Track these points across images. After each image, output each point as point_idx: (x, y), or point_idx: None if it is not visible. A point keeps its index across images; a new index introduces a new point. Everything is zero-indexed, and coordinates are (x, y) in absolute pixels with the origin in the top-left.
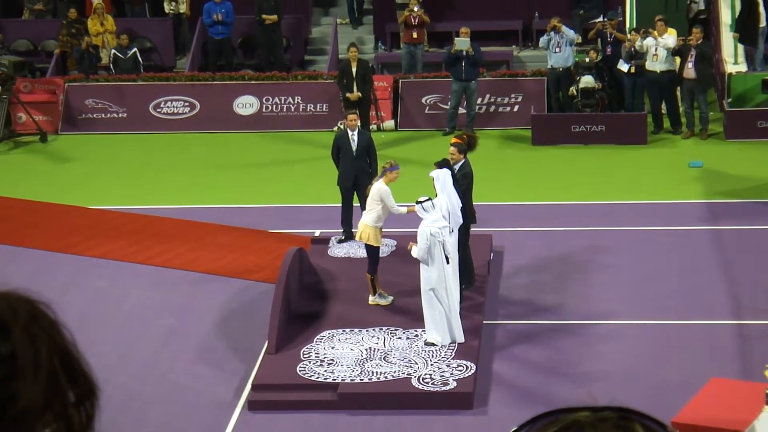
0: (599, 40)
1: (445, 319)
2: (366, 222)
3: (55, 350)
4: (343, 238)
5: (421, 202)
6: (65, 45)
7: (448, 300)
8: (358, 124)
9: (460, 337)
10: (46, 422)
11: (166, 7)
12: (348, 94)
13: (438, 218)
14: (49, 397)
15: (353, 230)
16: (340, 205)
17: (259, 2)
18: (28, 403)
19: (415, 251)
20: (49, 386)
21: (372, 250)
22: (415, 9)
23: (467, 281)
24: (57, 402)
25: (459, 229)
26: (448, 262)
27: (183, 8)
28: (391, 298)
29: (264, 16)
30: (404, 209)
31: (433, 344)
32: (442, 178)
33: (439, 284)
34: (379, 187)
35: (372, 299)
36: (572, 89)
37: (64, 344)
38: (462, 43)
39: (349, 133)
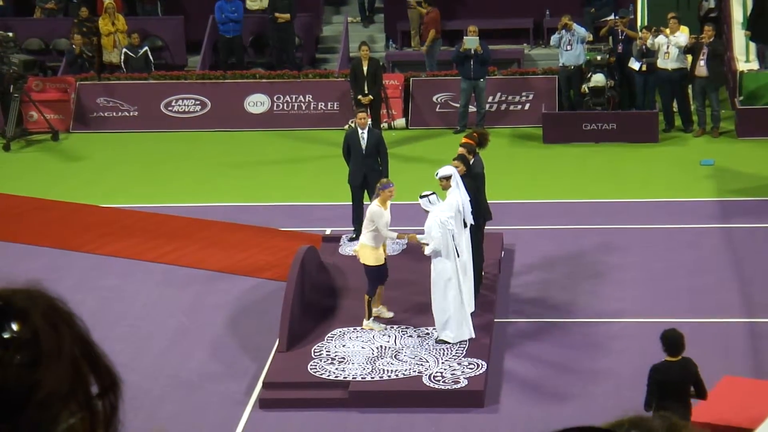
0: (610, 38)
1: (456, 315)
2: (364, 242)
3: (75, 339)
4: (354, 236)
5: (426, 196)
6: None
7: (459, 295)
8: (368, 122)
9: (470, 334)
10: (71, 412)
11: (249, 4)
12: (360, 97)
13: (444, 209)
14: (72, 385)
15: None
16: (351, 203)
17: (272, 0)
18: (52, 389)
19: (428, 250)
20: (73, 374)
21: (370, 271)
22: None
23: (477, 282)
24: (80, 391)
25: (471, 229)
26: (458, 256)
27: (264, 3)
28: (383, 326)
29: (277, 14)
30: (394, 234)
31: (444, 342)
32: (455, 176)
33: (452, 277)
34: (370, 209)
35: (366, 323)
36: (584, 87)
37: (83, 334)
38: (471, 41)
39: (359, 131)
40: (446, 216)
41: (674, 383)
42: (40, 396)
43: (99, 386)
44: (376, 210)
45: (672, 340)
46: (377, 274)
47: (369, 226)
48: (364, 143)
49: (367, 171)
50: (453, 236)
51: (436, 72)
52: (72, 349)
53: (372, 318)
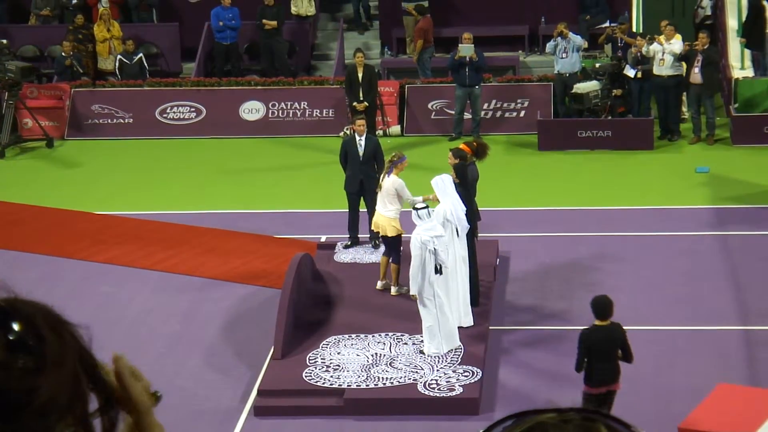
0: (610, 45)
1: (437, 328)
2: (387, 215)
3: (77, 351)
4: (350, 243)
5: (417, 209)
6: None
7: (441, 305)
8: (366, 129)
9: (449, 347)
10: (67, 425)
11: (293, 8)
12: (355, 104)
13: (432, 227)
14: (72, 398)
15: (359, 235)
16: (347, 210)
17: (261, 8)
18: (52, 396)
19: (413, 288)
20: (73, 386)
21: (396, 241)
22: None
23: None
24: (79, 406)
25: (467, 237)
26: (439, 272)
27: (311, 9)
28: (406, 288)
29: (264, 21)
30: (420, 197)
31: (423, 353)
32: (442, 185)
33: (427, 292)
34: (393, 181)
35: (394, 290)
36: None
37: (85, 347)
38: (466, 49)
39: (357, 138)
40: (429, 235)
41: (602, 346)
42: (39, 402)
43: (99, 401)
44: (400, 181)
45: (600, 305)
46: (400, 243)
47: (392, 200)
48: (361, 150)
49: (364, 177)
50: (436, 254)
51: (431, 79)
52: (74, 361)
53: (399, 285)
